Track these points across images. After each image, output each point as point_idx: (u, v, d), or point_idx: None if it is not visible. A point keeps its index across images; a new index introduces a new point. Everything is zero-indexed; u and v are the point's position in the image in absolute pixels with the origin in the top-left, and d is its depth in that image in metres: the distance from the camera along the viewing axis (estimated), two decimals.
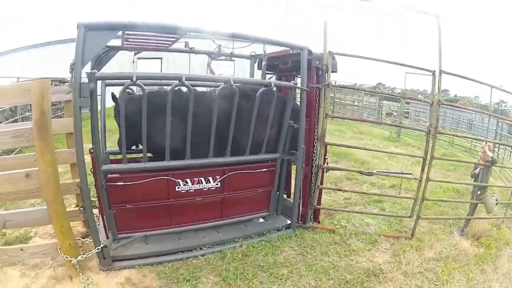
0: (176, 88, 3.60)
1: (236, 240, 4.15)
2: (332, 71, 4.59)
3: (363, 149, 5.48)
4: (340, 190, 5.21)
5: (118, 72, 4.30)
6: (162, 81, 4.70)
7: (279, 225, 4.55)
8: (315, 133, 4.56)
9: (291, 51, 4.76)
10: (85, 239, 4.00)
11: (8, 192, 3.26)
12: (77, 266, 3.38)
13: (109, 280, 3.48)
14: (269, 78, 5.55)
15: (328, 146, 4.73)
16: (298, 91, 4.50)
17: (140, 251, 3.79)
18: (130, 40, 4.33)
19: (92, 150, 3.55)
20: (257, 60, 5.48)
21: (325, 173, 4.97)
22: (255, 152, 4.28)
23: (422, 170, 4.62)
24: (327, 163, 4.81)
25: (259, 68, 5.48)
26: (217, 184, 4.11)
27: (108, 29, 3.31)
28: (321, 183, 4.76)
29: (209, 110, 3.85)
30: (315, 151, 4.56)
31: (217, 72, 5.61)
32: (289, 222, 4.60)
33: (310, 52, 4.39)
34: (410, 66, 4.81)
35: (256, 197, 4.54)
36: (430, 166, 4.57)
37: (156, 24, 3.66)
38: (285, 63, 5.02)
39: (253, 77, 5.13)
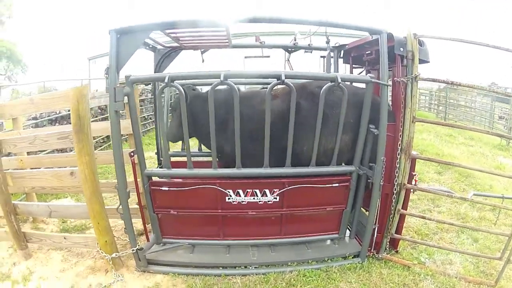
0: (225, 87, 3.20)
1: (289, 263, 3.58)
2: (422, 61, 3.52)
3: (456, 165, 4.29)
4: (424, 217, 4.12)
5: (152, 74, 4.01)
6: None
7: (346, 251, 3.77)
8: (400, 142, 3.57)
9: (371, 37, 3.73)
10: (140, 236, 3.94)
11: (55, 186, 3.47)
12: (111, 262, 3.36)
13: (139, 281, 3.36)
14: (360, 73, 4.62)
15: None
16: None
17: (180, 259, 3.55)
18: (183, 39, 3.97)
19: (132, 154, 3.31)
20: (342, 51, 4.54)
21: (412, 193, 4.03)
22: (324, 163, 3.56)
23: None
24: (416, 181, 3.82)
25: (346, 61, 4.59)
26: (275, 198, 3.49)
27: (139, 31, 3.08)
28: (405, 207, 3.83)
29: (263, 112, 3.25)
30: (398, 166, 3.60)
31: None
32: (359, 249, 3.81)
33: (391, 37, 3.37)
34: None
35: (324, 216, 3.78)
36: None
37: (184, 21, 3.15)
38: (369, 53, 3.98)
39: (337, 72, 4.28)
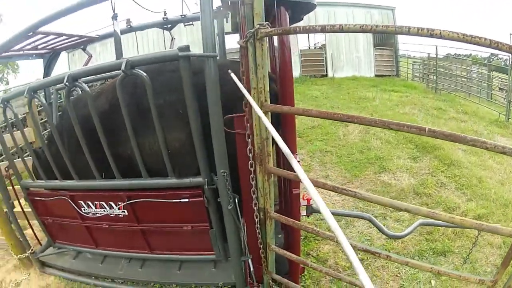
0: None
1: (152, 284, 3.23)
2: (297, 6, 2.47)
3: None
4: (312, 268, 2.61)
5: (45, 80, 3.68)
6: None
7: (220, 280, 3.04)
8: (253, 146, 2.40)
9: None
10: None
11: None
12: (19, 263, 3.89)
13: (38, 281, 3.73)
14: None
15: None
16: None
17: (65, 264, 3.72)
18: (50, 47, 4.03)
19: (7, 169, 3.57)
20: None
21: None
22: (163, 170, 2.82)
23: None
24: (308, 200, 2.60)
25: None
26: (123, 211, 3.11)
27: None
28: (293, 244, 2.68)
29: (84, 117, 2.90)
30: (253, 183, 2.47)
31: None
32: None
33: None
34: None
35: (192, 234, 3.06)
36: None
37: None
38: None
39: None
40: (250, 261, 2.82)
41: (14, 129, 4.29)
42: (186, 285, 3.14)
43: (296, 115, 2.95)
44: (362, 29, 1.68)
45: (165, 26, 4.09)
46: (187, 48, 2.29)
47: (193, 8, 3.96)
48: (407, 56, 18.85)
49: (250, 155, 2.42)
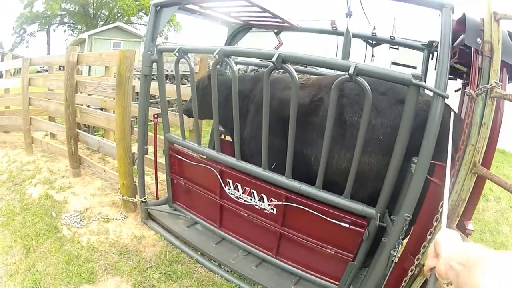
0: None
1: (260, 287, 3.18)
2: None
3: None
4: None
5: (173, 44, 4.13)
6: None
7: None
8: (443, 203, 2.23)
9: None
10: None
11: (105, 127, 4.55)
12: (121, 202, 3.90)
13: (132, 228, 3.72)
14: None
15: None
16: None
17: (174, 227, 3.71)
18: (244, 18, 4.12)
19: (156, 116, 3.62)
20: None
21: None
22: (337, 183, 2.84)
23: None
24: None
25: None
26: (272, 209, 3.13)
27: (173, 5, 3.29)
28: None
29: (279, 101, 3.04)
30: (428, 238, 2.38)
31: None
32: None
33: (462, 19, 2.29)
34: None
35: (327, 257, 3.07)
36: None
37: None
38: (454, 53, 2.77)
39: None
40: None
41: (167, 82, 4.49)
42: None
43: None
44: None
45: (370, 41, 4.02)
46: (420, 77, 2.26)
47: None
48: None
49: (440, 210, 2.34)
